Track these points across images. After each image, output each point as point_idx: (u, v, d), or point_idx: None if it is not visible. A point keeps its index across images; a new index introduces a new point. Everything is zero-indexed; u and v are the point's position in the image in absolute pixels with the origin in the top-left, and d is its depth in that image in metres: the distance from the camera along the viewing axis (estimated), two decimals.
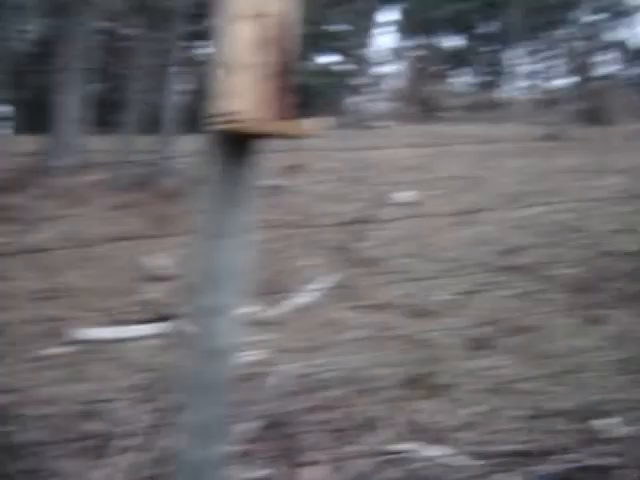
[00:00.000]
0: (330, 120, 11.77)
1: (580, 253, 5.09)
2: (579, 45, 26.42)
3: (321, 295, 4.51)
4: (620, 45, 33.08)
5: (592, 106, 11.38)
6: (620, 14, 32.91)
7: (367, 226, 5.93)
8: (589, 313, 3.80)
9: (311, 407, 2.36)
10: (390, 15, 20.15)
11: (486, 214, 6.04)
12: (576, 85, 15.14)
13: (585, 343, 3.33)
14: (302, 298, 4.47)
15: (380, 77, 19.28)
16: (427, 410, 2.48)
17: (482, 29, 22.37)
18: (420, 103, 16.79)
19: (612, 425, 2.26)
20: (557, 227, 5.66)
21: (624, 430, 2.21)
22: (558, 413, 2.39)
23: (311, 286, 4.67)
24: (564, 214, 5.88)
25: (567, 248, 5.19)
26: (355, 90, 16.63)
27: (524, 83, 18.86)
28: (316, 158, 8.43)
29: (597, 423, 2.29)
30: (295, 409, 2.32)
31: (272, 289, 4.13)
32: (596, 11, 30.48)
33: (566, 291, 4.30)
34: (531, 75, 19.60)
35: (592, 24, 31.51)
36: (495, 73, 22.37)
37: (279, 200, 6.88)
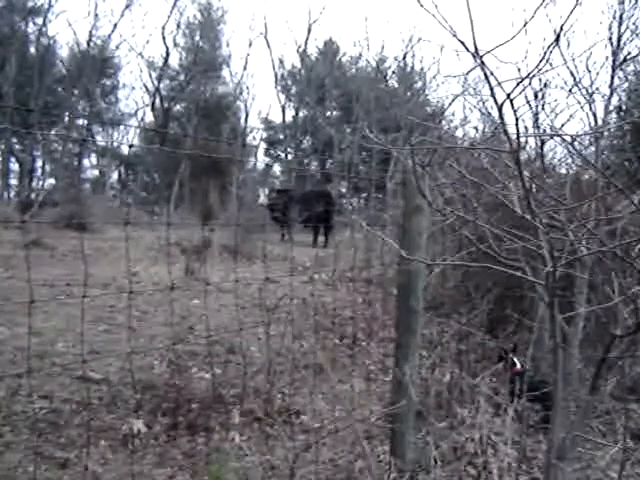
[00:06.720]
0: None
1: (58, 381, 4.72)
2: (67, 147, 27.33)
3: None
4: (112, 151, 36.16)
5: (74, 212, 11.52)
6: (111, 122, 35.96)
7: None
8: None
9: None
10: None
11: None
12: (59, 189, 15.34)
13: None
14: None
15: None
16: None
17: None
18: None
19: None
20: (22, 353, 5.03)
21: None
22: None
23: None
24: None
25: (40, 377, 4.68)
26: None
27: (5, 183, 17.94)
28: None
29: None
30: None
31: None
32: (86, 116, 32.51)
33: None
34: (13, 175, 18.93)
35: (82, 128, 33.43)
36: None
37: None
